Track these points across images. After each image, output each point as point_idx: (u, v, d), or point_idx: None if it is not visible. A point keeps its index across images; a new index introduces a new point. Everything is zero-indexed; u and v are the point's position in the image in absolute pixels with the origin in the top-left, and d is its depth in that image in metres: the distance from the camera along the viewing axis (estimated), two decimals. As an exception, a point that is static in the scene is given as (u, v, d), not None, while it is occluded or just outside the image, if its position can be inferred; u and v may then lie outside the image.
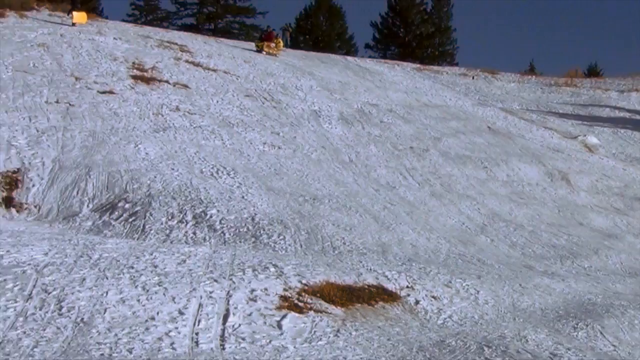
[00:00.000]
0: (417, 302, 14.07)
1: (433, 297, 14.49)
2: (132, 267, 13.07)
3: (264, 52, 43.48)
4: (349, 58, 58.86)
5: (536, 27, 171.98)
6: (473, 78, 57.96)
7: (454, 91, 47.93)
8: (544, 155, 33.72)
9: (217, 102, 30.92)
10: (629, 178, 33.17)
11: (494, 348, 11.92)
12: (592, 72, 74.09)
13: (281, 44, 46.21)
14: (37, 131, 24.05)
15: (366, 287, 14.15)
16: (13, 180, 20.89)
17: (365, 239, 19.42)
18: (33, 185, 20.78)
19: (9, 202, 20.04)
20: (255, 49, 44.05)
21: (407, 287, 14.69)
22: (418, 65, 61.78)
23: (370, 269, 15.33)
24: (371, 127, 32.55)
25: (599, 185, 30.75)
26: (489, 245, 21.35)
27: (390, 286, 14.50)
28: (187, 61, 36.66)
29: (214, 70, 35.98)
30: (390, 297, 14.02)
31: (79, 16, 42.00)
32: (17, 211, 19.74)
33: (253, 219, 19.20)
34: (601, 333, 13.85)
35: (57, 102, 26.92)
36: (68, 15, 41.52)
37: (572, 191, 29.36)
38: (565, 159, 33.82)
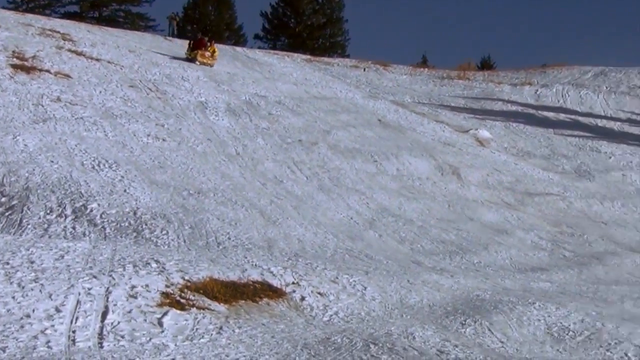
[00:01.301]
0: (302, 299, 14.18)
1: (319, 293, 14.62)
2: (8, 263, 12.90)
3: (198, 62, 41.13)
4: (238, 48, 59.00)
5: (429, 19, 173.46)
6: (364, 70, 58.43)
7: (345, 83, 48.22)
8: (435, 149, 34.21)
9: (100, 92, 30.58)
10: (520, 172, 33.86)
11: (381, 345, 12.07)
12: (485, 65, 75.33)
13: (217, 52, 43.61)
14: None
15: (251, 283, 14.21)
16: None
17: (251, 234, 19.50)
18: None
19: None
20: (185, 57, 41.87)
21: (293, 283, 14.79)
22: (308, 57, 62.16)
23: (256, 265, 15.37)
24: (259, 119, 32.63)
25: (489, 180, 31.31)
26: (377, 240, 21.59)
27: (275, 282, 14.59)
28: (69, 50, 36.20)
29: (97, 60, 35.60)
30: (275, 293, 14.12)
31: None
32: None
33: (135, 213, 19.14)
34: (489, 329, 14.13)
35: None
36: None
37: (462, 186, 29.84)
38: (456, 153, 34.36)
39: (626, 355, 13.76)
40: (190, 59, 41.80)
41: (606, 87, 59.71)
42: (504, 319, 14.87)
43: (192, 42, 43.37)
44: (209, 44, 42.46)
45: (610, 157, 39.96)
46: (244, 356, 10.66)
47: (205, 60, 41.65)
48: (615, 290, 19.52)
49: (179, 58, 41.45)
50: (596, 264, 22.63)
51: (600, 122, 48.81)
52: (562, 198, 30.48)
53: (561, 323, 15.16)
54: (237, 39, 76.93)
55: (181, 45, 46.42)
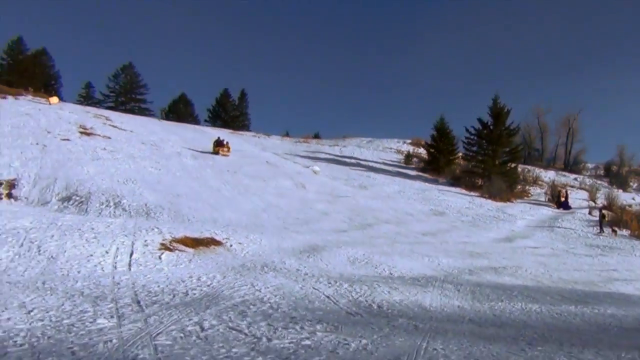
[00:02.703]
0: (231, 245, 14.03)
1: (239, 243, 14.47)
2: (79, 229, 12.45)
3: (220, 154, 35.97)
4: (196, 126, 58.71)
5: (292, 107, 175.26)
6: (258, 137, 58.60)
7: (249, 144, 48.15)
8: (293, 175, 34.16)
9: (126, 145, 29.68)
10: (334, 186, 34.04)
11: (269, 267, 12.06)
12: (316, 136, 76.17)
13: (230, 148, 37.73)
14: (25, 159, 22.58)
15: (205, 238, 14.02)
16: (12, 184, 19.53)
17: (205, 215, 19.15)
18: (24, 187, 19.46)
19: (10, 196, 18.72)
20: (212, 152, 36.25)
21: (226, 238, 14.64)
22: (231, 130, 62.12)
23: (208, 230, 15.16)
24: (207, 160, 32.23)
25: (320, 190, 31.38)
26: (267, 218, 21.45)
27: (218, 237, 14.41)
28: (109, 125, 35.18)
29: (124, 130, 34.67)
30: (218, 243, 13.93)
31: (53, 99, 41.38)
32: (15, 200, 18.46)
33: (146, 205, 18.57)
34: (321, 259, 14.20)
35: (37, 144, 25.33)
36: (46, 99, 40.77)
37: (307, 192, 29.85)
38: (303, 177, 34.35)
39: (384, 270, 13.94)
40: (215, 153, 35.96)
41: (372, 147, 61.08)
42: (328, 254, 14.98)
43: (216, 142, 37.58)
44: (225, 143, 37.90)
45: (375, 180, 40.63)
46: (203, 272, 10.51)
47: (224, 154, 36.12)
48: (378, 240, 19.82)
49: (166, 129, 40.68)
50: (370, 228, 22.99)
51: (370, 164, 49.63)
52: (354, 199, 30.77)
53: (354, 256, 15.29)
54: (195, 121, 75.82)
55: (167, 124, 46.00)
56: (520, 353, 6.63)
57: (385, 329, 7.44)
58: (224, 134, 51.89)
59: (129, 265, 10.48)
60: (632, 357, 6.75)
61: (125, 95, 76.12)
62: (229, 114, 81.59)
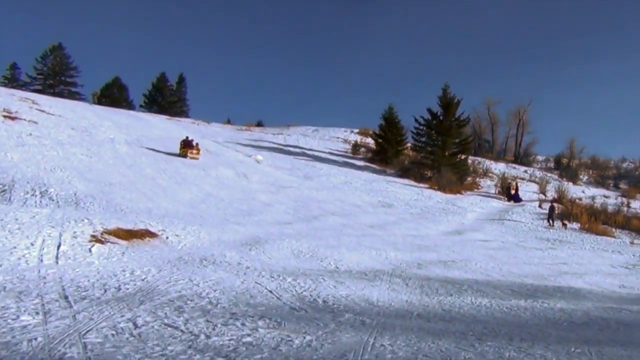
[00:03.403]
0: (167, 237, 13.84)
1: (176, 235, 14.29)
2: (1, 220, 12.00)
3: (189, 157, 32.33)
4: (131, 111, 57.62)
5: (235, 93, 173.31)
6: (198, 125, 58.06)
7: (188, 131, 47.32)
8: (235, 164, 34.00)
9: (55, 131, 28.67)
10: (278, 176, 34.06)
11: (209, 260, 11.97)
12: (259, 124, 75.94)
13: (200, 149, 33.80)
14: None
15: (140, 230, 13.76)
16: None
17: (139, 205, 18.74)
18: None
19: None
20: (179, 154, 32.90)
21: (162, 230, 14.42)
22: (168, 117, 61.20)
23: (142, 221, 14.87)
24: (143, 148, 31.57)
25: (263, 180, 31.33)
26: (206, 209, 21.21)
27: (153, 229, 14.17)
28: (36, 109, 33.90)
29: (53, 115, 33.50)
30: (153, 235, 13.69)
31: None
32: None
33: (75, 194, 18.02)
34: (263, 252, 14.16)
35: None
36: None
37: (249, 183, 29.74)
38: (245, 167, 34.24)
39: (330, 264, 14.04)
40: (183, 155, 32.53)
41: (318, 137, 61.30)
42: (271, 247, 14.96)
43: (183, 142, 33.97)
44: (195, 144, 34.13)
45: (320, 170, 40.80)
46: (137, 266, 10.33)
47: (193, 156, 32.55)
48: (324, 232, 19.88)
49: (98, 114, 39.63)
50: (315, 220, 23.03)
51: (316, 153, 49.81)
52: (298, 189, 30.80)
53: (298, 248, 15.32)
54: (129, 106, 74.24)
55: (100, 109, 44.88)
56: (470, 348, 6.78)
57: (331, 324, 7.47)
58: (160, 120, 51.15)
59: (57, 258, 10.16)
60: (581, 352, 7.01)
61: (54, 77, 73.97)
62: (166, 99, 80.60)
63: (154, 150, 31.91)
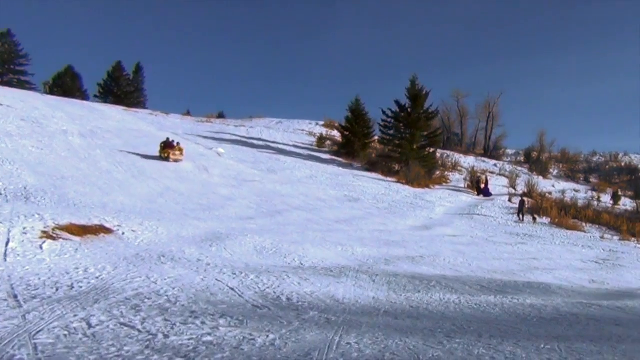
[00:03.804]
0: (123, 233, 13.69)
1: (133, 230, 14.14)
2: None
3: (171, 160, 30.93)
4: (85, 102, 56.70)
5: (192, 83, 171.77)
6: (156, 116, 57.61)
7: (145, 122, 46.97)
8: (195, 157, 33.73)
9: (3, 122, 28.02)
10: (240, 170, 33.93)
11: (167, 257, 11.88)
12: (220, 115, 75.56)
13: (183, 150, 32.35)
14: None
15: (94, 225, 13.57)
16: None
17: (94, 199, 18.46)
18: None
19: None
20: (160, 156, 31.27)
21: (118, 225, 14.25)
22: (125, 108, 60.41)
23: (97, 216, 14.64)
24: (97, 139, 31.07)
25: (224, 173, 31.19)
26: (164, 203, 21.02)
27: (108, 225, 14.00)
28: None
29: (1, 105, 32.68)
30: (108, 231, 13.53)
31: None
32: None
33: (25, 188, 17.67)
34: (225, 248, 14.11)
35: None
36: None
37: (210, 176, 29.57)
38: (206, 160, 34.05)
39: (294, 260, 14.05)
40: (165, 158, 30.97)
41: (282, 129, 61.28)
42: (233, 243, 14.91)
43: (164, 144, 32.14)
44: (176, 144, 32.39)
45: (284, 163, 40.75)
46: (91, 263, 10.20)
47: (176, 158, 31.22)
48: (288, 228, 19.89)
49: (50, 105, 38.85)
50: (279, 215, 23.03)
51: (280, 146, 49.76)
52: (261, 183, 30.76)
53: (261, 244, 15.30)
54: (83, 96, 72.98)
55: (51, 99, 44.01)
56: (438, 346, 6.86)
57: (295, 322, 7.48)
58: (116, 111, 50.43)
59: (5, 255, 9.96)
60: (551, 348, 7.15)
61: (3, 66, 72.16)
62: (123, 89, 79.54)
63: (109, 142, 31.48)
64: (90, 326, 6.40)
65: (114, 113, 47.35)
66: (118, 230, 13.90)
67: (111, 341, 5.94)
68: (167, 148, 31.73)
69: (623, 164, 77.75)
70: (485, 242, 24.00)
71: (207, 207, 21.94)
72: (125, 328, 6.46)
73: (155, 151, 31.50)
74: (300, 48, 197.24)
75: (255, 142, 49.90)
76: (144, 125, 43.86)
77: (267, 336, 6.63)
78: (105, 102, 69.80)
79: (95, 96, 77.45)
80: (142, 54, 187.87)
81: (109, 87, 79.10)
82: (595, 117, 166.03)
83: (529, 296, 11.69)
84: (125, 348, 5.76)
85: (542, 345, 7.24)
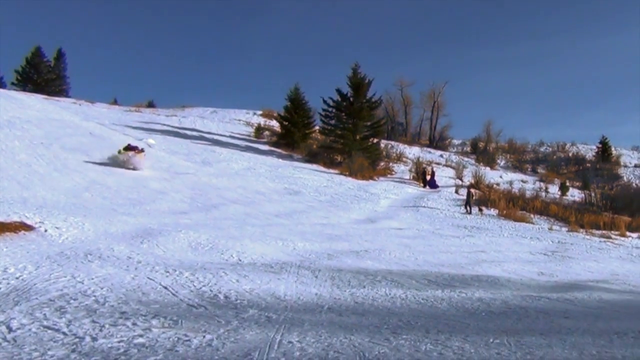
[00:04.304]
0: (46, 230, 13.31)
1: (56, 227, 13.76)
2: None
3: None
4: (1, 90, 54.86)
5: (119, 70, 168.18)
6: (80, 105, 56.47)
7: (69, 112, 45.75)
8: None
9: None
10: (172, 161, 33.56)
11: (94, 254, 11.65)
12: (150, 105, 74.73)
13: (144, 155, 29.72)
14: None
15: (12, 222, 13.15)
16: None
17: (12, 194, 17.87)
18: None
19: None
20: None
21: (40, 222, 13.86)
22: (46, 96, 58.86)
23: (16, 212, 14.23)
24: (16, 130, 30.00)
25: (155, 166, 30.71)
26: (90, 198, 20.54)
27: (29, 222, 13.59)
28: None
29: None
30: (29, 227, 13.13)
31: None
32: None
33: None
34: (157, 245, 13.90)
35: None
36: None
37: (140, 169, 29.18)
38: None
39: (232, 256, 13.97)
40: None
41: (217, 119, 60.87)
42: (165, 239, 14.70)
43: (125, 149, 29.55)
44: (139, 150, 29.98)
45: (220, 155, 40.50)
46: (10, 262, 9.90)
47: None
48: (225, 222, 19.76)
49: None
50: (215, 210, 22.86)
51: (215, 137, 49.43)
52: (195, 176, 30.47)
53: (196, 240, 15.16)
54: (0, 85, 70.91)
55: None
56: (384, 343, 6.92)
57: (234, 322, 7.43)
58: (36, 99, 49.03)
59: None
60: (500, 342, 7.31)
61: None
62: (43, 76, 77.69)
63: (29, 133, 30.53)
64: (10, 330, 6.20)
65: (34, 102, 45.93)
66: (40, 227, 13.50)
67: (34, 345, 5.77)
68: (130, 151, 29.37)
69: (570, 154, 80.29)
70: (432, 235, 24.39)
71: (137, 202, 21.56)
72: (49, 331, 6.28)
73: (82, 143, 30.76)
74: (236, 33, 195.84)
75: (188, 132, 49.40)
76: (67, 115, 42.70)
77: (204, 336, 6.55)
78: (24, 90, 67.80)
79: (13, 84, 75.64)
80: (63, 39, 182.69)
81: (28, 74, 77.06)
82: (542, 107, 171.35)
83: (477, 290, 11.93)
84: (50, 352, 5.61)
85: (491, 340, 7.39)
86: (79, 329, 6.44)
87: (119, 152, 29.46)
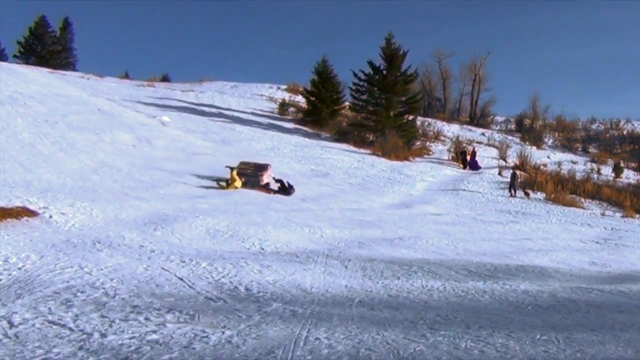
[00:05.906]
0: (51, 216, 13.48)
1: (62, 213, 13.93)
2: None
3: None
4: (2, 63, 55.40)
5: (132, 42, 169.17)
6: (88, 79, 56.89)
7: (76, 87, 46.17)
8: (135, 127, 33.33)
9: None
10: (188, 141, 33.78)
11: (104, 243, 11.74)
12: (165, 79, 74.95)
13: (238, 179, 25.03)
14: None
15: (15, 207, 13.31)
16: None
17: (14, 177, 18.12)
18: None
19: None
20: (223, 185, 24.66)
21: (44, 207, 14.02)
22: (50, 70, 59.28)
23: (18, 197, 14.41)
24: (18, 107, 30.34)
25: (169, 146, 30.98)
26: (99, 181, 20.79)
27: (32, 207, 13.76)
28: None
29: None
30: (32, 213, 13.30)
31: None
32: None
33: None
34: (172, 232, 14.02)
35: None
36: None
37: (153, 149, 29.31)
38: (148, 130, 33.70)
39: (253, 245, 14.01)
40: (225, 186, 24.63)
41: (238, 94, 60.96)
42: (181, 226, 14.80)
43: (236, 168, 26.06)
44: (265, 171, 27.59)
45: (241, 134, 40.63)
46: (12, 252, 10.01)
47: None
48: (246, 207, 19.85)
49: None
50: (235, 194, 23.03)
51: (235, 114, 49.55)
52: (214, 156, 30.59)
53: (215, 227, 15.24)
54: (0, 57, 71.57)
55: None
56: (421, 339, 6.85)
57: (256, 316, 7.42)
58: (40, 73, 49.51)
59: None
60: (547, 339, 7.20)
61: None
62: (48, 48, 77.92)
63: (32, 110, 30.87)
64: (12, 325, 6.26)
65: (38, 76, 46.37)
66: (44, 212, 13.66)
67: (37, 342, 5.81)
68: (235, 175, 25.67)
69: (625, 132, 78.97)
70: (472, 221, 24.25)
71: (151, 185, 21.75)
72: (55, 327, 6.33)
73: (90, 121, 31.01)
74: (254, 2, 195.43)
75: (206, 109, 49.56)
76: (74, 90, 43.04)
77: (223, 332, 6.55)
78: (27, 63, 68.38)
79: (15, 56, 76.00)
80: (70, 8, 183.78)
81: (31, 45, 77.36)
82: (594, 81, 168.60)
83: (523, 281, 11.81)
84: (55, 350, 5.64)
85: (538, 336, 7.29)
86: (86, 325, 6.47)
87: (231, 176, 25.42)
